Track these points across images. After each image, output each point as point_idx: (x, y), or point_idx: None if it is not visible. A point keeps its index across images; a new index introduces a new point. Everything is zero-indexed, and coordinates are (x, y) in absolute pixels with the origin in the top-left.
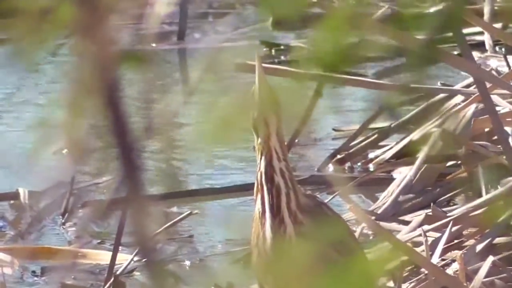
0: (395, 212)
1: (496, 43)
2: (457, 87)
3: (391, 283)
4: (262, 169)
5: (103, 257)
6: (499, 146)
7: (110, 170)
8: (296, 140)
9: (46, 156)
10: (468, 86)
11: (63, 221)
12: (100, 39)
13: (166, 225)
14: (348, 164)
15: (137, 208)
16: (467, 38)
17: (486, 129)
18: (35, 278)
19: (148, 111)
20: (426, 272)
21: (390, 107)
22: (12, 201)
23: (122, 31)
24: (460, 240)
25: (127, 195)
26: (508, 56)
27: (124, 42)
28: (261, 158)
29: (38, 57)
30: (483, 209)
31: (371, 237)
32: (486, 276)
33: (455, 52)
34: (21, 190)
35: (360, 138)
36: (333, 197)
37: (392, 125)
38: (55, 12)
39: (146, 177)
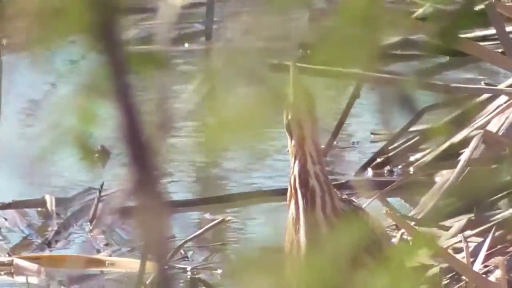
0: (436, 217)
1: None
2: (501, 86)
3: None
4: (296, 173)
5: (132, 265)
6: None
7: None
8: (334, 143)
9: (73, 162)
10: (511, 86)
11: (91, 228)
12: (114, 41)
13: (197, 232)
14: (387, 168)
15: (149, 215)
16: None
17: None
18: (62, 287)
19: (167, 111)
20: (467, 279)
21: (430, 108)
22: (39, 209)
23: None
24: (503, 245)
25: (142, 201)
26: None
27: (139, 42)
28: (294, 162)
29: (53, 58)
30: None
31: (410, 243)
32: None
33: (499, 50)
34: (47, 197)
35: (400, 141)
36: (371, 201)
37: (433, 127)
38: (69, 12)
39: (164, 181)
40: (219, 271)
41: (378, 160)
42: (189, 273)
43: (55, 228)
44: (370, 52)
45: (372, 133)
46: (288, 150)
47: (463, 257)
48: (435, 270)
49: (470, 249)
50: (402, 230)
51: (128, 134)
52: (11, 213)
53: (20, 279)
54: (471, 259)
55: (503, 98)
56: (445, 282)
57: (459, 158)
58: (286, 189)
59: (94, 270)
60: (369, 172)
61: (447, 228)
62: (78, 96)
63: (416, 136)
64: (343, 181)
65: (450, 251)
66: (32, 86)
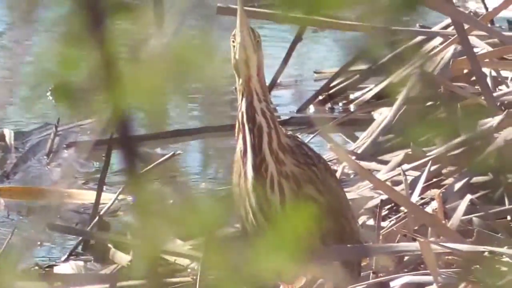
0: (375, 151)
1: None
2: (435, 29)
3: (371, 221)
4: (243, 109)
5: (87, 197)
6: (477, 86)
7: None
8: (278, 81)
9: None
10: (446, 27)
11: (48, 161)
12: None
13: (150, 165)
14: (328, 105)
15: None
16: None
17: (465, 71)
18: (21, 218)
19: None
20: (406, 210)
21: (370, 49)
22: None
23: None
24: (439, 179)
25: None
26: None
27: None
28: (242, 99)
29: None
30: (461, 149)
31: (351, 176)
32: (464, 214)
33: None
34: (6, 131)
35: (340, 80)
36: (314, 137)
37: (372, 67)
38: None
39: (133, 118)
40: (171, 201)
41: (320, 97)
42: None
43: (14, 161)
44: None
45: (315, 72)
46: (235, 88)
47: (402, 190)
48: (376, 201)
49: (408, 181)
50: (344, 164)
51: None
52: None
53: None
54: (409, 191)
55: (438, 40)
56: (384, 212)
57: (396, 97)
58: (232, 125)
59: (52, 201)
60: (312, 109)
61: (386, 162)
62: (55, 40)
63: (356, 75)
64: (287, 117)
65: (389, 183)
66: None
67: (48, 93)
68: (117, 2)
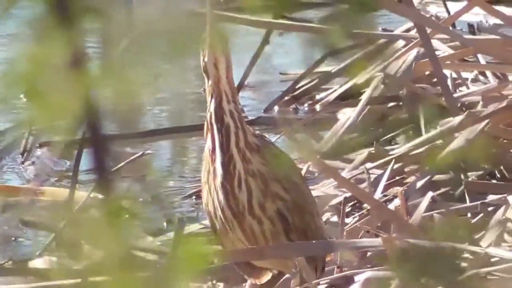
0: (339, 151)
1: None
2: (397, 32)
3: (335, 218)
4: (212, 110)
5: (60, 194)
6: (439, 88)
7: (69, 112)
8: (245, 83)
9: (5, 99)
10: (407, 30)
11: (22, 160)
12: None
13: (120, 164)
14: (294, 106)
15: (97, 146)
16: None
17: (427, 72)
18: None
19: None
20: (369, 207)
21: (334, 52)
22: None
23: None
24: (401, 177)
25: (88, 134)
26: (447, 2)
27: None
28: (211, 100)
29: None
30: (423, 148)
31: (316, 175)
32: (425, 211)
33: None
34: None
35: (305, 81)
36: (280, 136)
37: (336, 69)
38: None
39: (104, 117)
40: (141, 199)
41: (286, 98)
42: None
43: None
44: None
45: (280, 73)
46: (204, 90)
47: (365, 187)
48: (339, 199)
49: (371, 179)
50: (309, 163)
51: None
52: None
53: None
54: (372, 189)
55: (400, 43)
56: (348, 209)
57: (360, 98)
58: (198, 125)
59: (26, 198)
60: (277, 109)
61: (350, 161)
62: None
63: (320, 77)
64: (254, 118)
65: (352, 181)
66: None
67: (21, 94)
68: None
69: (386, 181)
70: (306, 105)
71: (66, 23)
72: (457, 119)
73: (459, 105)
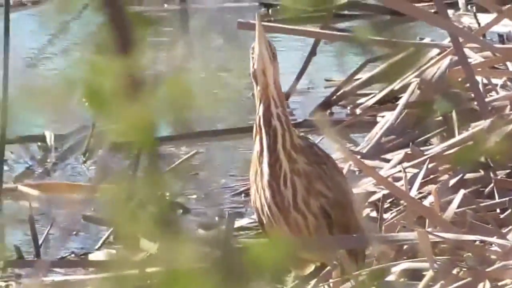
0: (378, 151)
1: (468, 2)
2: (430, 41)
3: (374, 213)
4: (261, 113)
5: (119, 192)
6: (470, 93)
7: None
8: (294, 89)
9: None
10: (442, 40)
11: (84, 160)
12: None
13: (176, 162)
14: (336, 110)
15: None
16: None
17: (459, 79)
18: (59, 210)
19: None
20: (405, 203)
21: (374, 59)
22: (39, 143)
23: None
24: (435, 175)
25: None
26: (478, 14)
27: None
28: (259, 105)
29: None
30: (456, 149)
31: (357, 173)
32: (457, 207)
33: (433, 11)
34: (47, 133)
35: (348, 87)
36: (323, 138)
37: (376, 75)
38: None
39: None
40: (194, 196)
41: (329, 102)
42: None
43: (54, 160)
44: (325, 13)
45: (326, 80)
46: (253, 95)
47: (402, 185)
48: (378, 196)
49: (408, 178)
50: (350, 162)
51: None
52: (16, 147)
53: (24, 203)
54: (408, 187)
55: (435, 51)
56: (386, 206)
57: (397, 102)
58: (248, 127)
59: (87, 195)
60: (321, 113)
61: (388, 161)
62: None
63: (361, 83)
64: (300, 120)
65: (390, 179)
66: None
67: (84, 99)
68: (143, 17)
69: (421, 179)
70: (348, 109)
71: (124, 36)
72: (488, 121)
73: (489, 108)
